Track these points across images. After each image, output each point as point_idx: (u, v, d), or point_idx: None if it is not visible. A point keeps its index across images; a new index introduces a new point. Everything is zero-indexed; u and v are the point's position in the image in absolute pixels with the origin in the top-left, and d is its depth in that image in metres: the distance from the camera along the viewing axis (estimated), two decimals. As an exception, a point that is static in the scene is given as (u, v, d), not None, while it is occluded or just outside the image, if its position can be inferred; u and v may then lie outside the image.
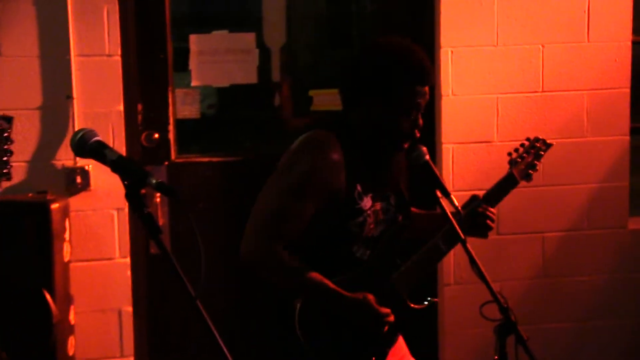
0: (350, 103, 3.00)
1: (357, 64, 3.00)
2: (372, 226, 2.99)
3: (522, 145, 3.18)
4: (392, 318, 2.96)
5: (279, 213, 2.84)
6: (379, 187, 3.01)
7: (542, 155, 3.19)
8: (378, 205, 3.01)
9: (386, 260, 3.02)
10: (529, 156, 3.16)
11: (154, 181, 2.05)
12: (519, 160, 3.14)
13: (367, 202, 2.96)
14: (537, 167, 3.17)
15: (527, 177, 3.15)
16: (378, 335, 3.00)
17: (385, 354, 3.06)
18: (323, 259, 2.91)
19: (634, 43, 4.57)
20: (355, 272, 2.97)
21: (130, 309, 4.21)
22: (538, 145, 3.19)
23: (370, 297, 2.92)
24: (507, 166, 3.15)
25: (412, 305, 3.06)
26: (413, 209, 3.22)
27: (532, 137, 3.23)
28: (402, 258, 3.03)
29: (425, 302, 3.10)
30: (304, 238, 2.87)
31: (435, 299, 3.16)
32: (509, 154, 3.16)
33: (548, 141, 3.22)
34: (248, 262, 2.85)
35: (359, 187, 2.92)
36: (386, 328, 2.98)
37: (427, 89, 2.94)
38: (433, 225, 3.07)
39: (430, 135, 4.40)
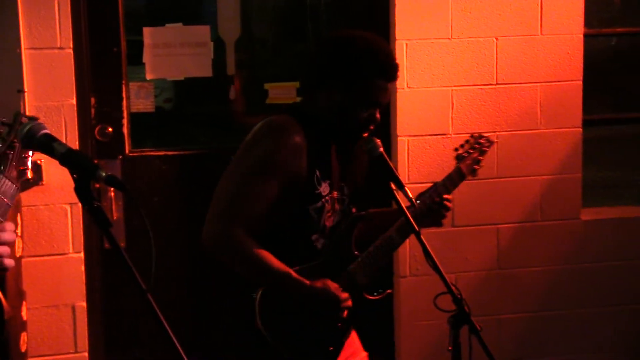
0: (312, 89, 3.01)
1: (325, 51, 3.02)
2: (329, 214, 3.01)
3: (467, 141, 3.23)
4: (350, 303, 2.98)
5: (240, 195, 2.84)
6: (335, 176, 3.02)
7: (485, 152, 3.24)
8: (335, 194, 3.03)
9: (344, 251, 3.04)
10: (474, 152, 3.20)
11: (103, 174, 2.03)
12: (465, 155, 3.18)
13: (325, 188, 2.98)
14: (482, 164, 3.22)
15: (473, 172, 3.20)
16: (337, 322, 3.01)
17: (342, 344, 3.09)
18: (283, 247, 2.92)
19: (586, 36, 4.61)
20: (314, 262, 2.98)
21: (84, 304, 4.18)
22: (482, 142, 3.24)
23: (330, 282, 2.93)
24: (462, 158, 3.19)
25: (367, 296, 3.08)
26: (371, 210, 3.23)
27: (476, 134, 3.27)
28: (359, 250, 3.05)
29: (380, 293, 3.12)
30: (265, 225, 2.87)
31: (389, 290, 3.18)
32: (456, 149, 3.20)
33: (491, 138, 3.28)
34: (209, 247, 2.85)
35: (317, 173, 2.94)
36: (345, 313, 3.00)
37: (389, 85, 2.97)
38: (388, 222, 3.08)
39: (386, 128, 4.41)
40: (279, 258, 2.88)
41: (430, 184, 3.14)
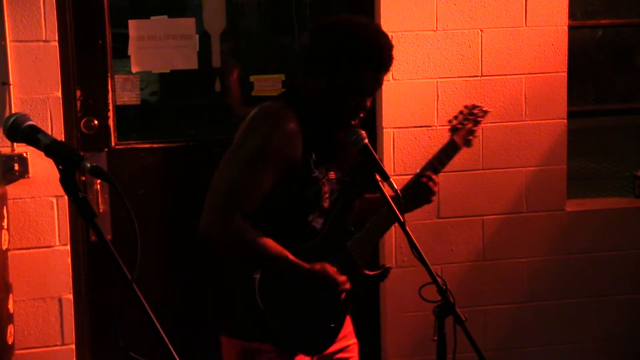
0: (305, 73, 3.01)
1: (312, 36, 3.02)
2: (327, 195, 3.01)
3: (460, 112, 3.25)
4: (348, 286, 3.00)
5: (238, 185, 2.85)
6: (331, 158, 3.03)
7: (479, 122, 3.26)
8: (332, 175, 3.03)
9: (340, 228, 3.06)
10: (468, 122, 3.22)
11: (88, 165, 2.04)
12: (459, 126, 3.21)
13: (322, 171, 2.98)
14: (477, 134, 3.24)
15: (468, 143, 3.22)
16: (336, 302, 3.03)
17: (344, 319, 3.13)
18: (279, 229, 2.92)
19: (570, 27, 4.63)
20: (312, 241, 2.99)
21: (70, 296, 4.18)
22: (475, 112, 3.26)
23: (328, 266, 2.95)
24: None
25: (367, 272, 3.09)
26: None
27: (469, 104, 3.30)
28: (356, 227, 3.07)
29: (380, 268, 3.14)
30: (261, 208, 2.88)
31: (389, 265, 3.21)
32: (450, 121, 3.22)
33: (484, 108, 3.30)
34: (207, 236, 2.86)
35: (314, 156, 2.95)
36: (343, 295, 3.02)
37: (380, 75, 2.97)
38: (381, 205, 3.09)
39: (371, 119, 4.42)
40: (276, 239, 2.89)
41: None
